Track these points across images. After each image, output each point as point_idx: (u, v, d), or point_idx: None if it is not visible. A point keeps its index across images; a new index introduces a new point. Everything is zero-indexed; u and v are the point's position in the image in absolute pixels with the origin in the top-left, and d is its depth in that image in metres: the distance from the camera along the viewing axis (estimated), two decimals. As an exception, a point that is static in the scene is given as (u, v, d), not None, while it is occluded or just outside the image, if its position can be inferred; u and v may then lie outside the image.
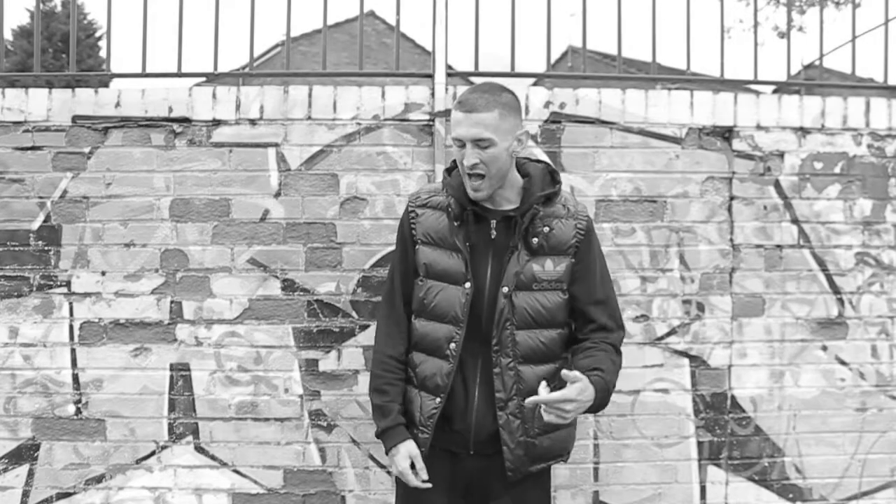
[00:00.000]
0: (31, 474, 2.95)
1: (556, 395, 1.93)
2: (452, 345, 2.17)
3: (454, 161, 2.24)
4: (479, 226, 2.19)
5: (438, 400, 2.19)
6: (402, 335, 2.30)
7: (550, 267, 2.18)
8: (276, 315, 2.96)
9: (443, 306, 2.19)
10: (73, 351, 2.96)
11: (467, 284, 2.16)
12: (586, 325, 2.23)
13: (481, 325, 2.17)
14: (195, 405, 2.96)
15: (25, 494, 2.95)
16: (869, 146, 3.15)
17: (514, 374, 2.15)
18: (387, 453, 2.26)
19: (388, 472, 2.96)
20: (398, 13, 3.25)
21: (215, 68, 3.19)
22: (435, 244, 2.23)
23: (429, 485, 2.19)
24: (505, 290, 2.14)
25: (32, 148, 2.97)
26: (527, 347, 2.16)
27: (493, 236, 2.19)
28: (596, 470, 3.03)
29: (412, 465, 2.21)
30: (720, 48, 3.27)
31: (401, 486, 2.32)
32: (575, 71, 7.65)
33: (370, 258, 2.96)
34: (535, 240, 2.17)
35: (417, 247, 2.26)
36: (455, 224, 2.19)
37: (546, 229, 2.18)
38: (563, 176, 3.01)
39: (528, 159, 2.31)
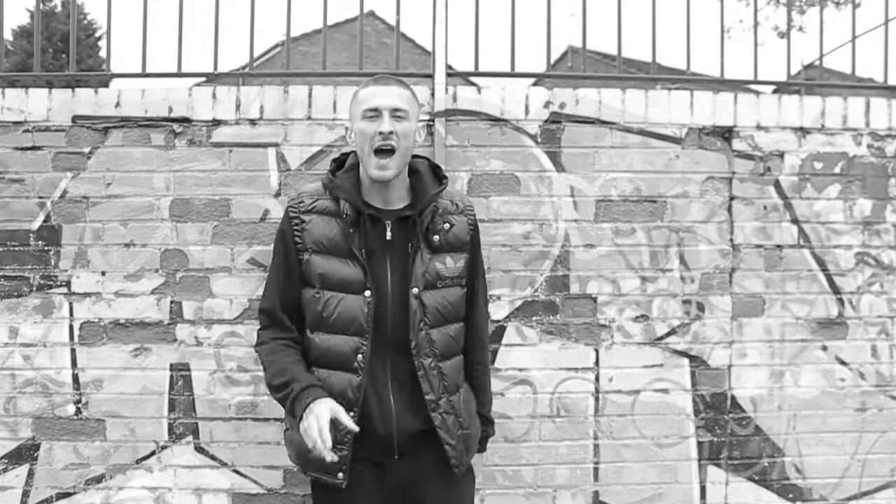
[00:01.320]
0: (31, 474, 2.95)
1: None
2: (360, 356, 2.10)
3: (335, 161, 2.24)
4: (375, 228, 2.14)
5: (352, 414, 2.07)
6: (298, 353, 2.19)
7: (451, 264, 2.19)
8: (276, 315, 2.96)
9: (345, 317, 2.10)
10: (73, 351, 2.96)
11: (367, 293, 2.10)
12: (468, 333, 2.32)
13: (387, 331, 2.12)
14: (195, 405, 2.96)
15: (25, 494, 2.95)
16: (869, 146, 3.15)
17: (438, 372, 2.16)
18: (298, 417, 2.03)
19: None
20: (398, 13, 3.25)
21: (215, 68, 3.19)
22: (328, 252, 2.13)
23: (335, 458, 1.96)
24: (415, 290, 2.12)
25: (32, 148, 2.97)
26: (442, 344, 2.17)
27: (388, 237, 2.14)
28: (596, 470, 3.03)
29: (333, 428, 1.98)
30: (720, 48, 3.27)
31: (318, 491, 2.22)
32: (575, 71, 7.66)
33: (370, 258, 2.96)
34: (437, 237, 2.17)
35: (307, 257, 2.14)
36: (350, 231, 2.11)
37: (446, 226, 2.19)
38: (563, 176, 3.02)
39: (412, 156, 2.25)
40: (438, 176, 2.25)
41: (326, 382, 2.11)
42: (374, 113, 2.08)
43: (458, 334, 2.24)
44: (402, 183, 2.19)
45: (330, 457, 1.93)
